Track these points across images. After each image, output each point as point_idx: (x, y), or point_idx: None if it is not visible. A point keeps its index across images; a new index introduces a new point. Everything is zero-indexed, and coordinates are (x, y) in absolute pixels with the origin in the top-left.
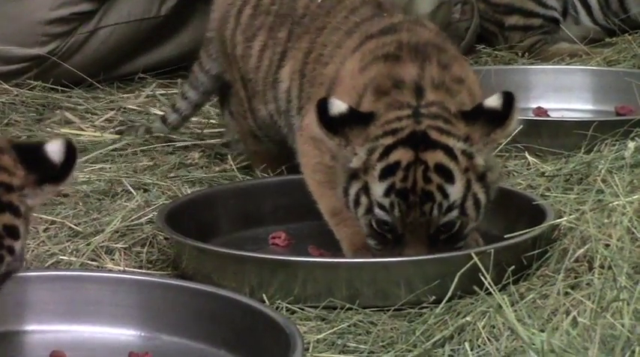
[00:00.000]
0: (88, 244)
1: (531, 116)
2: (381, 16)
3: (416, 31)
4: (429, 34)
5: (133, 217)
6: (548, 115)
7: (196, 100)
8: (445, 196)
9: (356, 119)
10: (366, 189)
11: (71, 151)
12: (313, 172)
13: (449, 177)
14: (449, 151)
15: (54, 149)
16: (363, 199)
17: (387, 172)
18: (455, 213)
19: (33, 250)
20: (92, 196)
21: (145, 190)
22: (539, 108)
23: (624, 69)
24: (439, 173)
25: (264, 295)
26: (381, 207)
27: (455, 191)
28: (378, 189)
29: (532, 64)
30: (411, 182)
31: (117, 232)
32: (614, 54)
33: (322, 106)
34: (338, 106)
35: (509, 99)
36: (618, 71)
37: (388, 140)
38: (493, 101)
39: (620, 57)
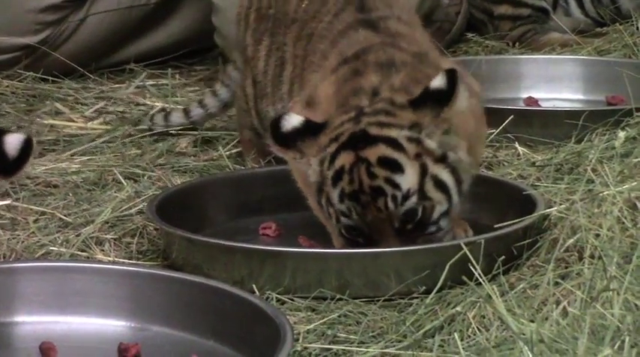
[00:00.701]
0: (78, 235)
1: (522, 106)
2: (361, 28)
3: (389, 52)
4: (403, 54)
5: (123, 208)
6: (539, 105)
7: (226, 99)
8: (395, 186)
9: (309, 131)
10: (328, 200)
11: (27, 148)
12: (296, 174)
13: (395, 167)
14: (391, 142)
15: (11, 142)
16: (331, 210)
17: (335, 179)
18: (413, 200)
19: (23, 242)
20: (82, 187)
21: (135, 181)
22: (530, 98)
23: (615, 59)
24: (383, 166)
25: (254, 286)
26: (342, 213)
27: (406, 179)
28: (334, 197)
29: (523, 53)
30: (358, 183)
31: (107, 222)
32: (605, 44)
33: (276, 123)
34: (292, 120)
35: (451, 76)
36: (609, 61)
37: (332, 148)
38: (437, 81)
39: (611, 47)
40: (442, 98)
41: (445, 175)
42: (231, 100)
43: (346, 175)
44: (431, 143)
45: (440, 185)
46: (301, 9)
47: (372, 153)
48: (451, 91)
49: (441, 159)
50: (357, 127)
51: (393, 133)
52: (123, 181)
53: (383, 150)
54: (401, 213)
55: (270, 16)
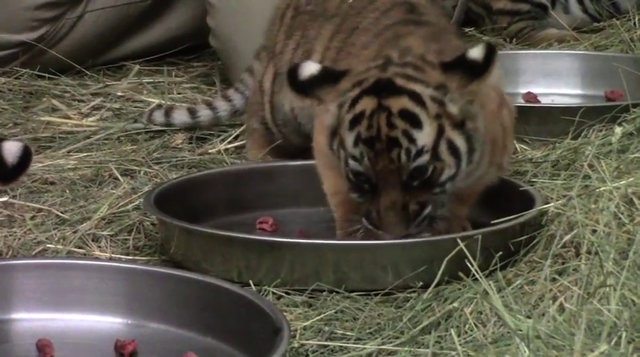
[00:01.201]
0: (75, 232)
1: (521, 102)
2: (409, 24)
3: (429, 34)
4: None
5: (119, 204)
6: (538, 101)
7: (238, 106)
8: (412, 141)
9: (328, 78)
10: (341, 142)
11: (26, 156)
12: (319, 155)
13: (415, 122)
14: (415, 97)
15: (10, 149)
16: (341, 153)
17: (353, 123)
18: (426, 157)
19: (20, 238)
20: (79, 184)
21: (132, 177)
22: (529, 93)
23: (614, 53)
24: (404, 118)
25: (250, 281)
26: (353, 158)
27: (423, 136)
28: (348, 140)
29: (521, 49)
30: (376, 130)
31: (104, 219)
32: (602, 39)
33: (293, 71)
34: (309, 68)
35: (490, 51)
36: (608, 56)
37: (355, 92)
38: (475, 52)
39: (608, 42)
40: (475, 69)
41: (459, 141)
42: (243, 108)
43: (365, 120)
44: (453, 107)
45: (453, 149)
46: (345, 5)
47: (395, 103)
48: (486, 65)
49: (459, 125)
50: (383, 74)
51: (418, 88)
52: (120, 177)
53: (405, 102)
54: (411, 167)
55: (307, 12)
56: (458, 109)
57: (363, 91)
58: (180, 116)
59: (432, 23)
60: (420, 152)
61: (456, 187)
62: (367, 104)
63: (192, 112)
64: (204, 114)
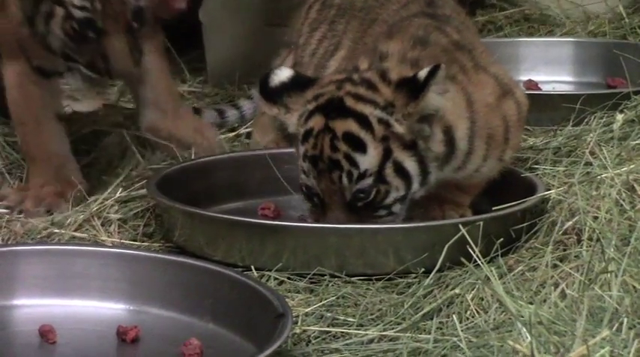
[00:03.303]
0: (81, 215)
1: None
2: (423, 17)
3: (429, 31)
4: (442, 37)
5: (131, 188)
6: (540, 88)
7: (249, 114)
8: (353, 164)
9: (297, 85)
10: (297, 153)
11: None
12: None
13: (358, 145)
14: (362, 120)
15: None
16: (299, 163)
17: (304, 138)
18: (368, 181)
19: (27, 223)
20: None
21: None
22: (529, 81)
23: (615, 40)
24: (347, 142)
25: (252, 266)
26: (303, 171)
27: (366, 160)
28: (300, 153)
29: (521, 36)
30: (319, 150)
31: (116, 201)
32: (604, 25)
33: (265, 78)
34: (281, 74)
35: (431, 71)
36: (609, 43)
37: (311, 106)
38: (423, 72)
39: (610, 28)
40: (417, 90)
41: (409, 163)
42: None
43: (312, 139)
44: (400, 128)
45: (401, 172)
46: None
47: (340, 125)
48: (422, 86)
49: (410, 146)
50: (337, 92)
51: (367, 109)
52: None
53: (351, 125)
54: (353, 190)
55: (334, 6)
56: (406, 129)
57: (316, 107)
58: (211, 116)
59: (449, 17)
60: (362, 175)
61: (447, 180)
62: (316, 122)
63: (220, 113)
64: (231, 114)
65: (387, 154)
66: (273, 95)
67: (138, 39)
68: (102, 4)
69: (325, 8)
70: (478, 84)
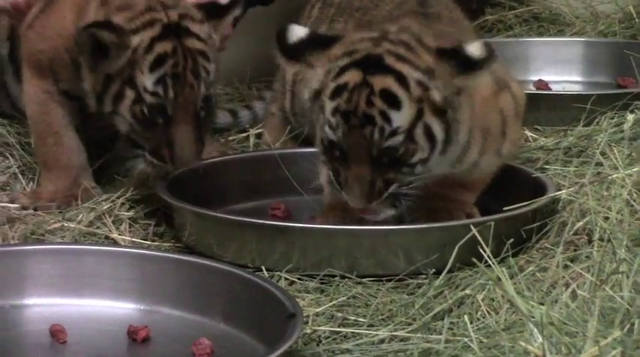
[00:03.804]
0: (93, 212)
1: (532, 89)
2: (415, 16)
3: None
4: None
5: (143, 188)
6: (550, 88)
7: (262, 115)
8: (387, 120)
9: (318, 42)
10: (321, 107)
11: None
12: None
13: (394, 103)
14: (400, 78)
15: None
16: (321, 118)
17: (335, 92)
18: (399, 138)
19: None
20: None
21: None
22: (540, 81)
23: (625, 40)
24: (384, 98)
25: (262, 267)
26: (329, 126)
27: (400, 117)
28: (328, 108)
29: (531, 36)
30: (354, 104)
31: (127, 200)
32: (614, 25)
33: (281, 34)
34: (297, 31)
35: (489, 52)
36: (619, 42)
37: (344, 61)
38: (473, 47)
39: (620, 28)
40: (468, 64)
41: (437, 128)
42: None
43: (347, 93)
44: (436, 94)
45: (429, 134)
46: None
47: (379, 81)
48: (481, 63)
49: (440, 112)
50: (375, 49)
51: (406, 69)
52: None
53: (389, 82)
54: (383, 146)
55: (334, 4)
56: (441, 97)
57: (351, 62)
58: (224, 117)
59: (440, 14)
60: (393, 132)
61: (443, 173)
62: (352, 77)
63: (233, 114)
64: (243, 114)
65: (419, 114)
66: (294, 52)
67: (202, 129)
68: (175, 92)
69: (326, 7)
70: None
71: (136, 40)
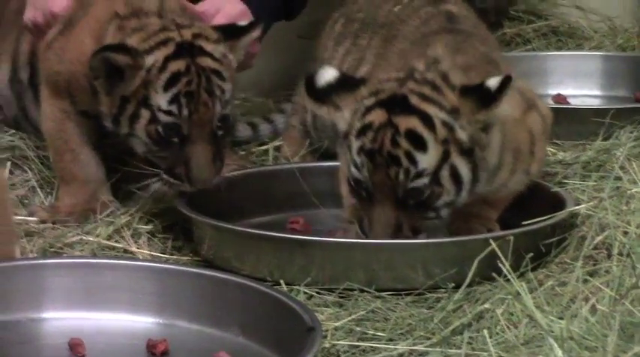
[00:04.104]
0: (111, 225)
1: (550, 103)
2: (444, 33)
3: (458, 42)
4: (471, 49)
5: (162, 201)
6: (569, 102)
7: (282, 129)
8: (413, 162)
9: (346, 85)
10: (349, 147)
11: None
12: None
13: (420, 144)
14: (426, 119)
15: None
16: (348, 157)
17: (361, 131)
18: (424, 180)
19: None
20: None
21: None
22: (558, 95)
23: None
24: (409, 139)
25: (281, 280)
26: (355, 165)
27: (426, 159)
28: (354, 147)
29: (550, 50)
30: (379, 144)
31: (146, 213)
32: (633, 39)
33: (310, 79)
34: (326, 75)
35: (504, 81)
36: (637, 56)
37: (370, 101)
38: (492, 81)
39: (638, 42)
40: (486, 98)
41: (464, 169)
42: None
43: (371, 132)
44: (462, 134)
45: (455, 176)
46: (393, 13)
47: (404, 122)
48: (496, 95)
49: (467, 152)
50: (400, 89)
51: (431, 110)
52: None
53: (415, 123)
54: (408, 187)
55: (357, 20)
56: (467, 136)
57: (376, 102)
58: (244, 130)
59: (467, 31)
60: (419, 174)
61: (476, 194)
62: (377, 116)
63: (253, 127)
64: (264, 127)
65: (445, 156)
66: (322, 95)
67: (221, 147)
68: (189, 111)
69: (349, 22)
70: (505, 98)
71: (149, 59)
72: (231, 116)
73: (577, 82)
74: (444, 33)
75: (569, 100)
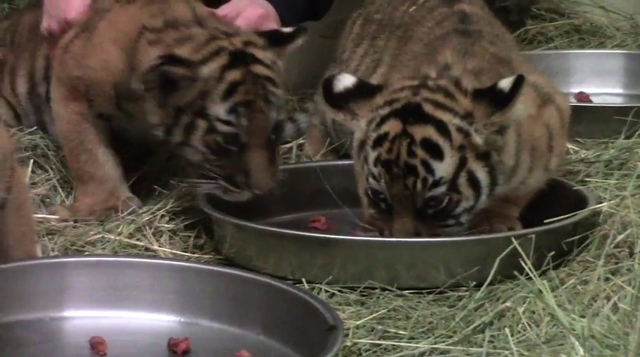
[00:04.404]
0: (133, 224)
1: (573, 101)
2: (455, 35)
3: (468, 45)
4: (482, 50)
5: (183, 200)
6: (591, 101)
7: (305, 128)
8: (430, 171)
9: (363, 92)
10: (365, 158)
11: None
12: (357, 161)
13: (436, 152)
14: (441, 127)
15: None
16: (365, 168)
17: (377, 142)
18: (442, 188)
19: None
20: (143, 182)
21: None
22: (581, 93)
23: None
24: (425, 148)
25: (303, 279)
26: (373, 176)
27: (442, 167)
28: (370, 158)
29: (572, 48)
30: (395, 154)
31: (168, 212)
32: None
33: (328, 83)
34: (344, 81)
35: (517, 83)
36: None
37: (385, 111)
38: (505, 83)
39: None
40: (500, 100)
41: (481, 174)
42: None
43: (387, 143)
44: (478, 138)
45: (473, 181)
46: (408, 14)
47: (419, 131)
48: (510, 96)
49: (484, 157)
50: (414, 98)
51: (446, 117)
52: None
53: (430, 132)
54: (426, 196)
55: (375, 21)
56: (483, 140)
57: (391, 112)
58: None
59: (481, 31)
60: (437, 183)
61: (495, 195)
62: (392, 127)
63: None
64: (287, 127)
65: (462, 163)
66: (338, 101)
67: (275, 153)
68: (248, 120)
69: (367, 23)
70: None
71: (205, 70)
72: (283, 122)
73: (599, 81)
74: (455, 35)
75: (592, 98)
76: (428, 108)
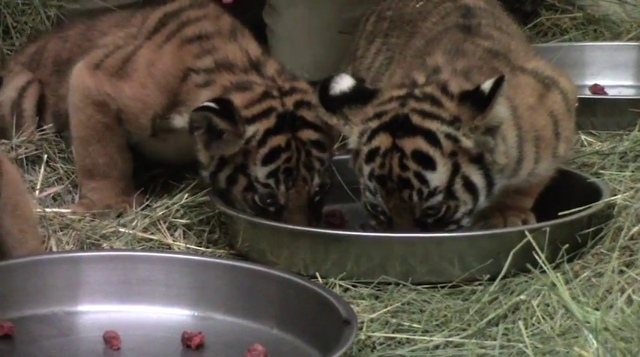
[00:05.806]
0: (147, 218)
1: (587, 94)
2: (456, 31)
3: (459, 42)
4: (474, 47)
5: (198, 195)
6: (606, 93)
7: None
8: (424, 182)
9: (359, 97)
10: (360, 170)
11: None
12: None
13: (428, 163)
14: (430, 136)
15: None
16: (361, 181)
17: (369, 157)
18: (438, 198)
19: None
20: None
21: None
22: (595, 85)
23: None
24: (416, 160)
25: (317, 273)
26: (369, 190)
27: (436, 177)
28: (365, 172)
29: (587, 40)
30: (388, 169)
31: (182, 206)
32: None
33: (325, 84)
34: (343, 83)
35: (495, 84)
36: None
37: (374, 124)
38: (487, 84)
39: None
40: (482, 103)
41: (476, 177)
42: None
43: (379, 158)
44: (468, 142)
45: (469, 186)
46: (415, 10)
47: (409, 143)
48: (488, 98)
49: (476, 159)
50: (401, 110)
51: (434, 126)
52: None
53: (420, 143)
54: (424, 207)
55: (387, 18)
56: (473, 143)
57: (380, 126)
58: None
59: (481, 25)
60: (432, 193)
61: (506, 186)
62: (382, 141)
63: None
64: None
65: (455, 169)
66: (333, 104)
67: (318, 210)
68: (287, 186)
69: (380, 20)
70: (517, 87)
71: (250, 130)
72: (328, 184)
73: (614, 73)
74: (454, 31)
75: (607, 90)
76: (415, 119)
